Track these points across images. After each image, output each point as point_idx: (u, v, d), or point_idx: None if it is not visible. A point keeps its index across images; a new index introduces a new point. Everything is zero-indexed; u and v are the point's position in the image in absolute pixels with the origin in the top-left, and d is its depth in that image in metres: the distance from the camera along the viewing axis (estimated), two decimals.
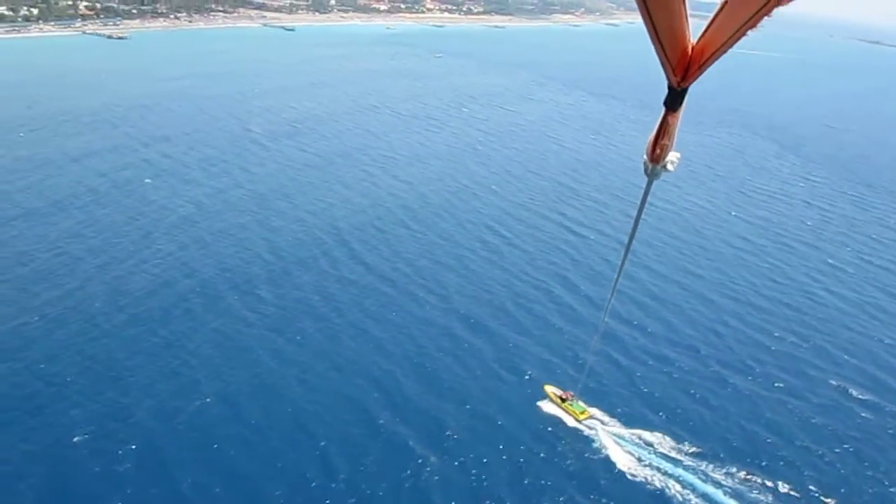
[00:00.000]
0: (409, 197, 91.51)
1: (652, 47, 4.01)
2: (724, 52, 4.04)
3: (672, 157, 5.42)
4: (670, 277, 73.41)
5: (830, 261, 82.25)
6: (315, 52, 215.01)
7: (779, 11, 3.44)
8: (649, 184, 6.04)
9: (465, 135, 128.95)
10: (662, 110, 4.76)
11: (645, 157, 5.42)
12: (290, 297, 62.88)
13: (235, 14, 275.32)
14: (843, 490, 44.18)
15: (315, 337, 56.47)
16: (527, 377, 53.55)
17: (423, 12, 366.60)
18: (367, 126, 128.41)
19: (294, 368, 51.93)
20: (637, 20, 3.88)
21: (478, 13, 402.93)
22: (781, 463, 46.10)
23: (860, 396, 54.16)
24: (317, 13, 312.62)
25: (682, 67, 4.27)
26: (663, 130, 5.01)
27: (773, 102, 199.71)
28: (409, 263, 71.69)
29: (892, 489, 44.84)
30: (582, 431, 47.79)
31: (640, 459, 45.14)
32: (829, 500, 43.13)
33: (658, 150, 5.22)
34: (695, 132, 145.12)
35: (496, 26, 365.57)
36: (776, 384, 54.84)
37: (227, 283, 64.15)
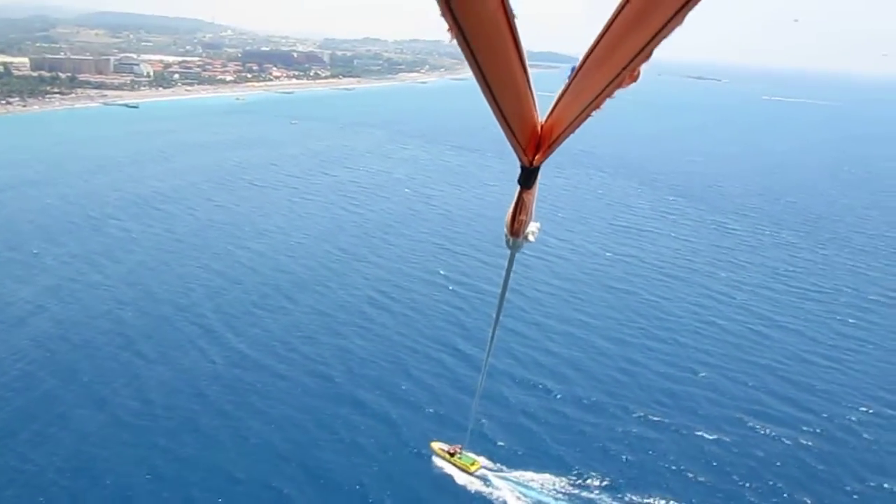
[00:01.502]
0: (280, 274, 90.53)
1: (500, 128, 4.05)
2: (573, 130, 4.08)
3: (532, 227, 5.65)
4: (548, 325, 77.28)
5: (706, 290, 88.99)
6: (161, 127, 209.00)
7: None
8: (512, 255, 6.38)
9: (330, 201, 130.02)
10: (517, 189, 4.86)
11: (505, 230, 5.57)
12: (181, 393, 59.89)
13: (73, 95, 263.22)
14: None
15: (213, 434, 54.22)
16: (411, 438, 54.28)
17: (270, 80, 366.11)
18: (225, 201, 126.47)
19: (196, 472, 49.62)
20: None
21: (326, 77, 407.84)
22: (673, 488, 49.84)
23: (749, 421, 58.87)
24: (160, 88, 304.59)
25: (533, 146, 4.32)
26: (520, 207, 5.13)
27: (618, 141, 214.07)
28: (286, 344, 70.62)
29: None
30: (475, 483, 48.84)
31: (538, 502, 46.56)
32: None
33: (517, 225, 5.37)
34: (555, 175, 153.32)
35: (346, 89, 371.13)
36: (662, 417, 58.85)
37: (111, 391, 60.22)
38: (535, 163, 4.42)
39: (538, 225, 5.71)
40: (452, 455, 50.13)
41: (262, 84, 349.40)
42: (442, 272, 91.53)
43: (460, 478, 49.21)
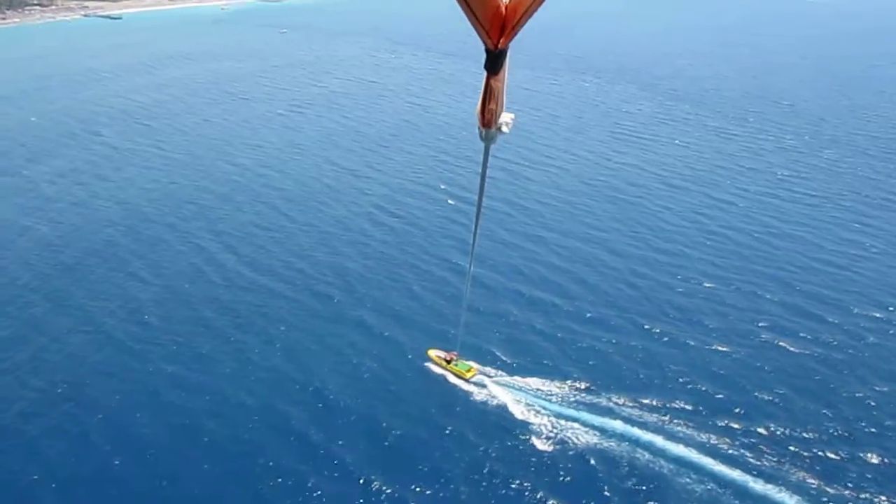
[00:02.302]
0: (274, 191, 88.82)
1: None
2: (536, 9, 3.99)
3: (505, 118, 5.45)
4: (551, 238, 76.27)
5: (710, 198, 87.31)
6: (146, 38, 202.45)
7: None
8: (486, 148, 6.14)
9: (322, 114, 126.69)
10: (484, 75, 4.64)
11: (477, 122, 5.38)
12: (180, 317, 59.07)
13: (53, 7, 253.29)
14: (715, 406, 48.83)
15: (216, 357, 53.67)
16: (411, 347, 54.79)
17: None
18: (225, 115, 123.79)
19: (201, 396, 49.20)
20: None
21: None
22: (663, 388, 50.21)
23: (756, 331, 58.21)
24: None
25: (497, 29, 4.17)
26: (489, 95, 4.95)
27: (614, 44, 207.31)
28: (285, 262, 69.70)
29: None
30: (471, 389, 49.80)
31: (529, 405, 47.45)
32: (703, 411, 47.56)
33: (487, 115, 5.18)
34: (552, 82, 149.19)
35: None
36: (668, 328, 58.50)
37: (107, 314, 59.45)
38: (500, 45, 4.24)
39: (512, 115, 5.47)
40: (449, 362, 51.32)
41: None
42: (442, 186, 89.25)
43: (458, 382, 50.35)
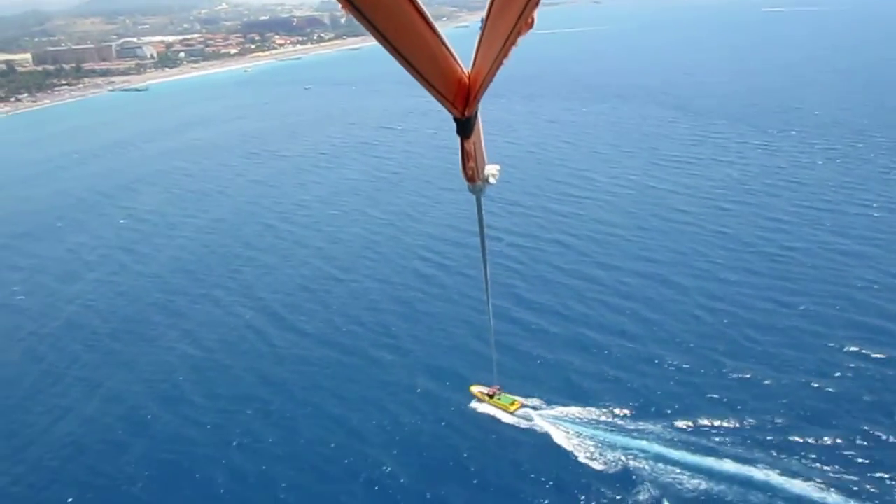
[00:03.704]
0: (326, 244, 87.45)
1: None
2: (493, 77, 4.02)
3: (490, 170, 5.67)
4: (615, 266, 74.48)
5: (770, 215, 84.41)
6: (174, 106, 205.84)
7: None
8: (478, 200, 6.44)
9: (361, 164, 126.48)
10: (458, 139, 4.76)
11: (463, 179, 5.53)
12: (229, 395, 56.35)
13: (81, 85, 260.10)
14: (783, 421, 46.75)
15: (267, 433, 51.09)
16: (451, 383, 54.42)
17: (275, 48, 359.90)
18: (257, 175, 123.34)
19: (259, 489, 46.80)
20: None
21: (330, 40, 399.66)
22: (711, 408, 48.78)
23: (843, 349, 55.70)
24: (166, 69, 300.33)
25: (462, 98, 4.22)
26: (466, 156, 5.16)
27: (637, 67, 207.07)
28: (346, 316, 67.87)
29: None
30: (517, 423, 49.25)
31: (578, 434, 47.02)
32: (771, 434, 45.60)
33: (469, 172, 5.40)
34: (583, 110, 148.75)
35: (352, 49, 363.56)
36: (741, 357, 55.99)
37: (150, 397, 56.92)
38: (467, 113, 4.33)
39: (497, 167, 5.64)
40: (492, 397, 51.05)
41: (267, 53, 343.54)
42: (499, 234, 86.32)
43: (503, 416, 49.87)
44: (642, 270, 72.31)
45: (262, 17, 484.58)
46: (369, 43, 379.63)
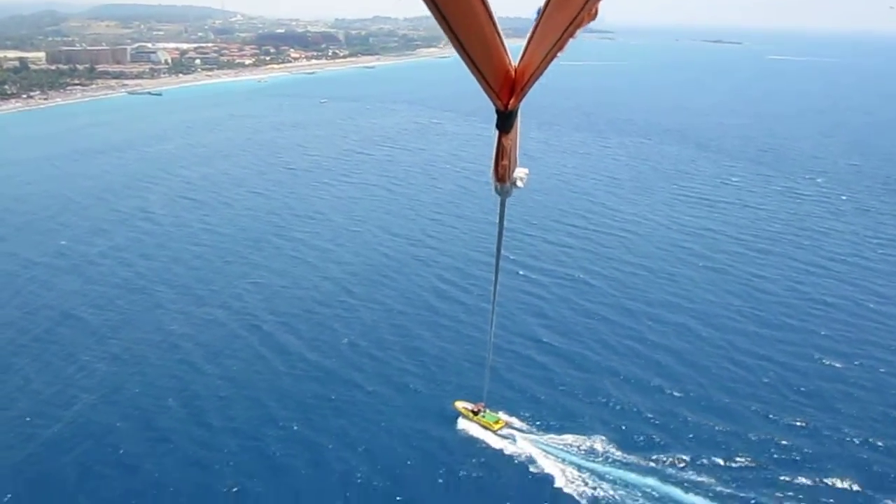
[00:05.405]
0: (337, 263, 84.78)
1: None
2: (542, 72, 4.03)
3: (519, 173, 5.46)
4: (635, 308, 72.80)
5: (792, 262, 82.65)
6: (191, 113, 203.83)
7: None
8: (502, 202, 6.17)
9: (378, 181, 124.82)
10: (496, 133, 4.67)
11: (491, 177, 5.38)
12: (244, 417, 53.07)
13: (93, 86, 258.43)
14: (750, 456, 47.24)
15: (287, 462, 48.11)
16: (435, 397, 54.30)
17: (289, 62, 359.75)
18: (274, 188, 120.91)
19: None
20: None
21: (344, 56, 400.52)
22: (694, 441, 48.82)
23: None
24: (180, 75, 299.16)
25: (507, 90, 4.22)
26: (501, 152, 4.97)
27: (654, 107, 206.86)
28: (371, 337, 65.59)
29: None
30: (500, 442, 48.60)
31: (561, 459, 47.10)
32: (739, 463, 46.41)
33: (501, 171, 5.19)
34: (604, 145, 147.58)
35: (367, 66, 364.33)
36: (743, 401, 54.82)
37: (163, 412, 53.60)
38: (510, 107, 4.34)
39: (526, 170, 5.52)
40: (476, 413, 50.17)
41: (281, 66, 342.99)
42: (511, 255, 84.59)
43: (485, 435, 49.26)
44: (639, 309, 71.28)
45: (278, 31, 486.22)
46: (384, 62, 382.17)
